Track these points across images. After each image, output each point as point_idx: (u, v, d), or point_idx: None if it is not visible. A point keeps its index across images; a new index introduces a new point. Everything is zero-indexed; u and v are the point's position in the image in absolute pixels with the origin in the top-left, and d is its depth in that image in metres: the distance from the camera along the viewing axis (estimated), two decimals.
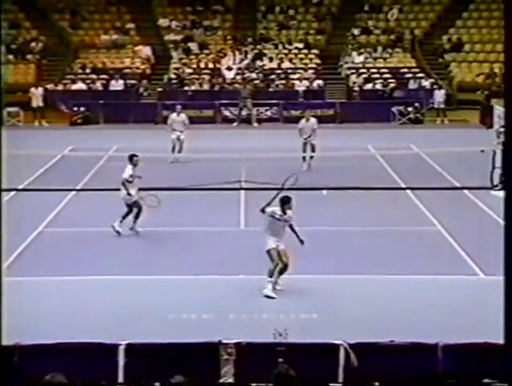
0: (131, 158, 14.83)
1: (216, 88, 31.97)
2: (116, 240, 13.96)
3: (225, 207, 16.30)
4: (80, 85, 31.37)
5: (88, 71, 32.44)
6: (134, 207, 14.36)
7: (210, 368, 7.59)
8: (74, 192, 17.60)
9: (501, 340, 7.52)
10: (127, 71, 32.49)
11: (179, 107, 22.82)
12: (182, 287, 11.60)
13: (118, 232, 14.11)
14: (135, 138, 25.52)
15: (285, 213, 11.35)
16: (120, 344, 7.62)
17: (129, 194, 14.27)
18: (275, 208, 11.36)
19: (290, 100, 30.69)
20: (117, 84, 31.56)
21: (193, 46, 34.22)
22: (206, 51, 34.09)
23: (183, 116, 22.19)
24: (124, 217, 14.27)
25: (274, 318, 10.13)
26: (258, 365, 7.61)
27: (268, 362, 7.44)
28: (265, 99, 30.58)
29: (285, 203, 11.29)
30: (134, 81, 31.97)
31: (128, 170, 14.59)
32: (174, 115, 22.31)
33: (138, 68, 32.88)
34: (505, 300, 5.13)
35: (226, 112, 29.72)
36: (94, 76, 31.97)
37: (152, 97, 31.71)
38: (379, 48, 33.99)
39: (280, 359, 7.46)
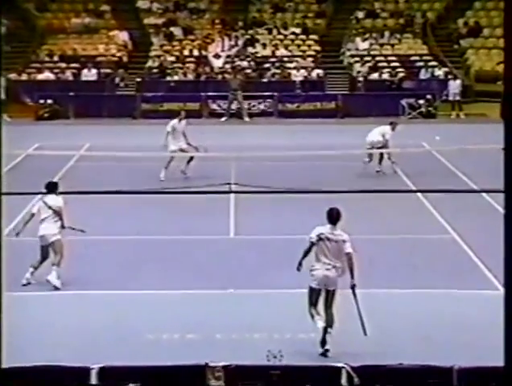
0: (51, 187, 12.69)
1: (203, 78, 32.05)
2: (89, 251, 13.95)
3: (212, 213, 16.33)
4: (47, 75, 31.41)
5: (56, 58, 32.50)
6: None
7: None
8: (39, 196, 17.59)
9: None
10: (101, 59, 32.56)
11: (183, 113, 20.39)
12: (163, 303, 11.59)
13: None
14: (110, 135, 25.58)
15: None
16: (92, 368, 7.64)
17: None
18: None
19: (286, 92, 30.80)
20: (89, 74, 31.58)
21: (176, 31, 34.30)
22: (191, 37, 34.18)
23: (183, 122, 19.86)
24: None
25: (267, 337, 10.16)
26: None
27: None
28: (257, 91, 30.67)
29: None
30: (109, 70, 32.01)
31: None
32: (175, 122, 19.81)
33: (113, 56, 32.95)
34: (505, 320, 5.18)
35: (214, 106, 29.79)
36: (63, 65, 32.02)
37: (130, 88, 31.79)
38: (386, 33, 34.15)
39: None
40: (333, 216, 10.06)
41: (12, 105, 30.02)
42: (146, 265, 13.28)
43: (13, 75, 31.14)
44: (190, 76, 32.15)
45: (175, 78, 31.88)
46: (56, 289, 12.03)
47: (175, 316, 11.05)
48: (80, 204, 17.00)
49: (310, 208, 16.56)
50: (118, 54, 33.19)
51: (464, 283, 12.30)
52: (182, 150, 19.82)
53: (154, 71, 32.29)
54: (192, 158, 19.63)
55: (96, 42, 33.72)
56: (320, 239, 9.90)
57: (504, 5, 4.90)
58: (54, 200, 12.43)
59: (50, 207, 12.36)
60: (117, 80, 32.01)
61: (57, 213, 12.36)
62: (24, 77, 31.43)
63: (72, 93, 29.98)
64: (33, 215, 12.67)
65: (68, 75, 31.79)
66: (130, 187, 17.88)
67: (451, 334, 10.36)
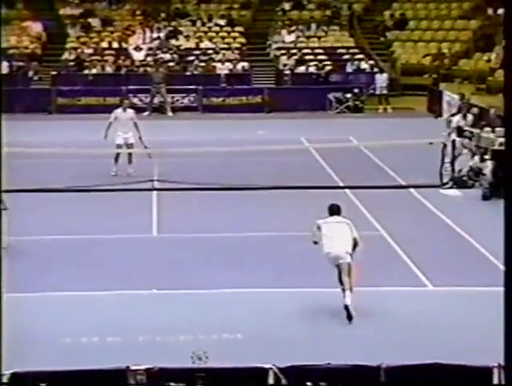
0: None
1: (123, 71, 31.80)
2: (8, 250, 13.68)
3: (135, 211, 16.24)
4: None
5: None
6: None
7: None
8: None
9: (439, 359, 7.79)
10: (13, 51, 31.97)
11: (126, 102, 20.90)
12: (82, 305, 11.48)
13: None
14: (25, 131, 25.08)
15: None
16: (3, 374, 7.49)
17: None
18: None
19: (210, 86, 30.79)
20: (1, 67, 30.97)
21: (94, 22, 33.97)
22: (110, 28, 33.89)
23: (130, 112, 19.93)
24: None
25: (192, 339, 10.15)
26: None
27: None
28: (181, 84, 30.61)
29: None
30: (21, 63, 31.47)
31: None
32: (119, 111, 19.85)
33: (26, 48, 32.45)
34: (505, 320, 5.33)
35: (135, 100, 29.53)
36: None
37: (44, 82, 31.38)
38: (313, 25, 34.46)
39: None
40: (335, 209, 11.52)
41: None
42: (61, 266, 13.11)
43: None
44: (109, 70, 31.86)
45: (94, 71, 31.54)
46: None
47: (94, 318, 10.91)
48: None
49: (234, 205, 16.69)
50: (32, 46, 32.68)
51: (392, 280, 12.49)
52: (128, 145, 19.52)
53: (71, 64, 31.89)
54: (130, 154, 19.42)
55: (7, 33, 33.04)
56: (325, 223, 11.29)
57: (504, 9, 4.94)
58: None
59: None
60: (30, 73, 31.49)
61: None
62: None
63: None
64: None
65: None
66: (47, 186, 17.67)
67: (380, 332, 10.51)
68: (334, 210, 11.50)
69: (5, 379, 7.38)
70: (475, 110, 21.59)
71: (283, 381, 7.85)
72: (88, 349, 9.91)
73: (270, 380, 7.84)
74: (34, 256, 13.74)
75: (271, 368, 7.85)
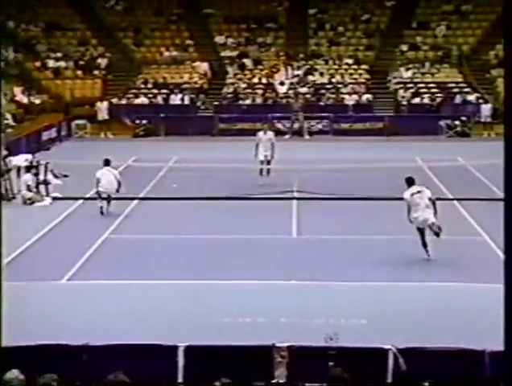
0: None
1: (270, 101, 32.07)
2: (178, 247, 14.11)
3: (277, 216, 16.31)
4: (142, 99, 31.83)
5: (150, 86, 32.91)
6: None
7: (264, 370, 7.62)
8: (136, 201, 17.89)
9: None
10: (186, 86, 32.83)
11: (266, 126, 20.67)
12: (237, 291, 11.60)
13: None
14: (193, 150, 25.80)
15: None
16: (179, 346, 7.70)
17: None
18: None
19: (340, 114, 30.59)
20: (176, 99, 31.93)
21: (248, 61, 34.43)
22: (260, 67, 34.26)
23: (270, 134, 19.70)
24: None
25: (324, 322, 10.09)
26: (310, 368, 7.62)
27: (319, 365, 7.45)
28: (316, 112, 30.54)
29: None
30: (192, 95, 32.27)
31: None
32: (261, 133, 19.70)
33: (196, 83, 33.21)
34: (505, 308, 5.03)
35: (279, 125, 29.75)
36: (155, 91, 32.42)
37: (209, 111, 31.97)
38: (427, 64, 33.66)
39: (331, 363, 7.45)
40: (411, 180, 13.02)
41: (114, 125, 30.60)
42: (223, 260, 13.28)
43: (115, 100, 31.64)
44: (259, 100, 32.20)
45: (247, 102, 31.96)
46: None
47: (247, 303, 11.02)
48: (168, 207, 17.24)
49: (358, 212, 16.50)
50: (200, 81, 33.44)
51: (492, 278, 12.03)
52: (268, 161, 19.59)
53: (229, 96, 32.44)
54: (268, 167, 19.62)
55: (182, 71, 34.04)
56: (411, 195, 12.75)
57: (503, 6, 4.59)
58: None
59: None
60: (198, 103, 32.25)
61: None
62: (124, 101, 31.87)
63: (162, 115, 30.33)
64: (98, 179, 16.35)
65: (159, 99, 32.16)
66: (210, 194, 18.03)
67: (482, 320, 10.14)
68: (411, 181, 12.93)
69: (181, 350, 7.60)
70: None
71: (400, 360, 7.71)
72: (242, 327, 10.00)
73: (390, 359, 7.72)
74: (211, 251, 13.81)
75: (391, 349, 7.73)
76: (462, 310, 10.59)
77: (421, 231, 12.83)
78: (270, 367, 7.62)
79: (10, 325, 9.90)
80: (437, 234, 12.70)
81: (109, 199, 16.53)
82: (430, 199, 12.74)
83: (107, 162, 16.81)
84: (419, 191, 12.76)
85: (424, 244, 12.83)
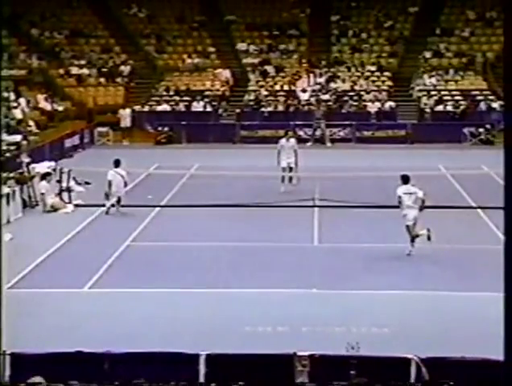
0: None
1: (291, 109, 32.11)
2: (199, 254, 14.15)
3: (299, 224, 16.31)
4: (164, 106, 32.01)
5: (171, 93, 33.09)
6: None
7: (285, 379, 7.62)
8: (158, 208, 17.99)
9: None
10: (208, 93, 32.98)
11: (289, 133, 20.36)
12: (258, 300, 11.60)
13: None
14: (215, 157, 25.87)
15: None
16: (201, 354, 7.73)
17: None
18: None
19: (362, 121, 30.54)
20: (198, 106, 32.06)
21: (270, 69, 34.51)
22: (282, 74, 34.31)
23: (292, 141, 19.60)
24: None
25: (346, 331, 10.07)
26: (331, 377, 7.61)
27: (341, 374, 7.44)
28: (338, 120, 30.49)
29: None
30: (214, 103, 32.40)
31: None
32: (283, 140, 19.61)
33: (218, 90, 33.35)
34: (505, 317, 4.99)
35: (300, 133, 29.75)
36: (177, 98, 32.59)
37: (231, 118, 32.05)
38: (451, 71, 33.50)
39: (352, 372, 7.44)
40: (406, 178, 14.01)
41: (137, 132, 30.81)
42: (244, 268, 13.27)
43: (137, 107, 31.86)
44: (280, 108, 32.24)
45: (269, 109, 32.02)
46: None
47: (267, 312, 11.00)
48: (190, 214, 17.31)
49: (380, 220, 16.41)
50: (222, 89, 33.58)
51: None
52: (290, 168, 19.56)
53: (251, 103, 32.52)
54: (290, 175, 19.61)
55: (203, 78, 34.20)
56: (404, 193, 13.82)
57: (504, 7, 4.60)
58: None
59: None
60: (220, 110, 32.37)
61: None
62: (146, 109, 32.08)
63: (184, 122, 30.46)
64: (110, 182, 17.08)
65: (181, 106, 32.32)
66: (231, 201, 18.07)
67: None
68: (406, 179, 13.94)
69: (202, 359, 7.63)
70: None
71: (423, 369, 7.68)
72: (263, 336, 10.02)
73: (413, 368, 7.68)
74: (232, 259, 13.86)
75: (413, 358, 7.69)
76: (487, 320, 10.50)
77: (408, 228, 13.88)
78: (291, 375, 7.63)
79: (32, 332, 10.00)
80: (428, 237, 13.71)
81: (119, 200, 17.28)
82: (420, 200, 13.76)
83: (117, 163, 17.46)
84: (410, 193, 13.76)
85: (412, 240, 13.84)
